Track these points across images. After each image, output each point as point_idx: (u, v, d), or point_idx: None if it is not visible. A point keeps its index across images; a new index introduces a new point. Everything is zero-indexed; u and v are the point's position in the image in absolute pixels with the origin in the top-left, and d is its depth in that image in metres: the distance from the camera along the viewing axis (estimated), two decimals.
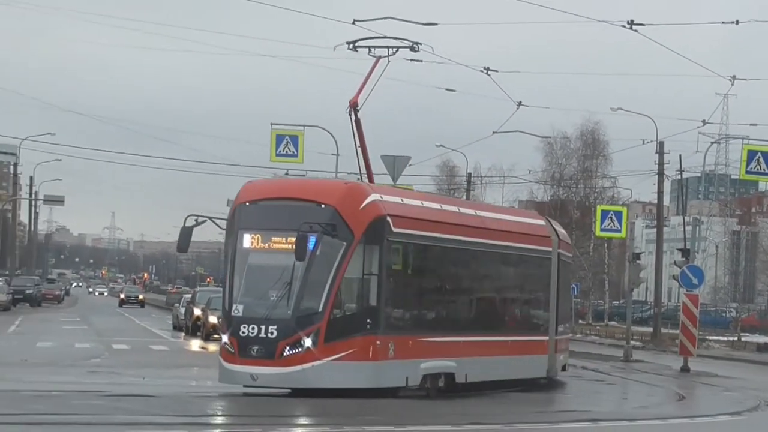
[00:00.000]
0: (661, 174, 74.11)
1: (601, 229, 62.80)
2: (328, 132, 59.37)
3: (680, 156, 75.36)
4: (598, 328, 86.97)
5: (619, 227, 61.48)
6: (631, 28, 44.36)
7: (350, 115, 30.49)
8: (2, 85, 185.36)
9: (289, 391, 26.62)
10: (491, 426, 26.05)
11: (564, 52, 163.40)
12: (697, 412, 35.57)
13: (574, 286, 64.57)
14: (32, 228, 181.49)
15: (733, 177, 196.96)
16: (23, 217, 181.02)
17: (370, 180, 32.76)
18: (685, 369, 49.09)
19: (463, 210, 33.53)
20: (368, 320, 26.13)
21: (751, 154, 44.90)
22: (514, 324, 34.28)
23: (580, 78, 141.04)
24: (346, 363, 25.44)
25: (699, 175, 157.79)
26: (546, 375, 35.02)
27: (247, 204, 27.94)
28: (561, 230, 39.24)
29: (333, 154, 59.90)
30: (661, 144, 72.38)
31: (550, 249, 35.37)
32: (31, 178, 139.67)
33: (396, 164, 52.17)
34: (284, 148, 52.37)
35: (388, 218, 26.71)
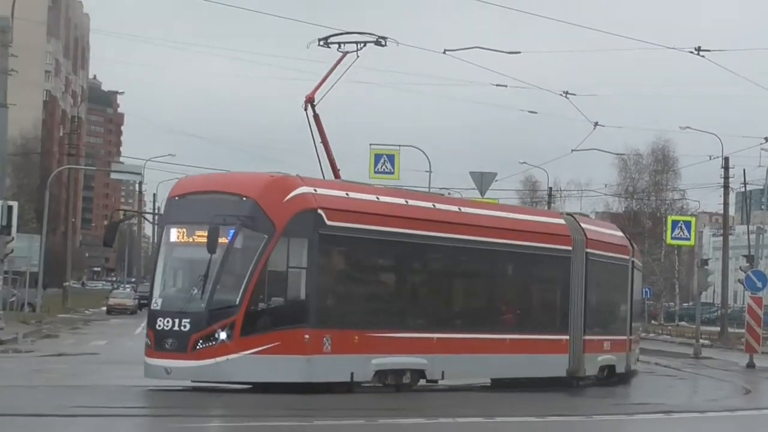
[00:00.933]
0: (726, 187, 73.91)
1: (672, 238, 61.63)
2: (422, 151, 59.90)
3: (744, 170, 75.52)
4: (669, 328, 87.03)
5: (689, 236, 60.52)
6: (698, 54, 44.25)
7: (306, 110, 29.19)
8: (133, 113, 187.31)
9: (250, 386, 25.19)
10: (573, 417, 26.11)
11: (637, 76, 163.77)
12: (762, 404, 34.75)
13: (646, 289, 64.11)
14: (154, 239, 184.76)
15: None
16: (147, 230, 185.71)
17: (336, 175, 31.07)
18: (750, 365, 48.56)
19: (416, 203, 29.57)
20: (296, 314, 24.59)
21: None
22: (515, 323, 31.36)
23: (652, 99, 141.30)
24: (270, 357, 23.92)
25: (762, 187, 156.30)
26: (566, 374, 31.89)
27: (175, 198, 26.96)
28: (596, 230, 35.38)
29: (426, 171, 60.02)
30: (726, 159, 72.40)
31: (569, 248, 32.23)
32: (154, 195, 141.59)
33: (483, 180, 53.27)
34: (381, 166, 52.40)
35: (320, 211, 24.98)
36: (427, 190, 45.38)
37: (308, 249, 24.64)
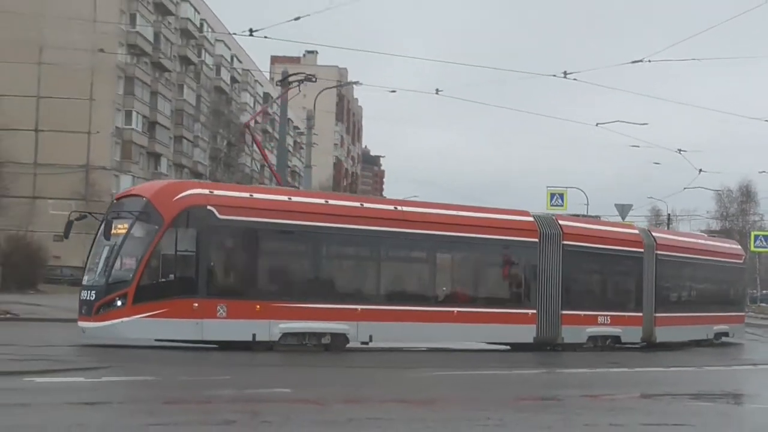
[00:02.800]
0: None
1: (755, 246, 61.69)
2: (581, 190, 63.33)
3: None
4: (753, 307, 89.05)
5: (766, 245, 62.15)
6: None
7: (245, 134, 29.55)
8: (391, 169, 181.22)
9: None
10: (689, 368, 27.21)
11: (730, 136, 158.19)
12: None
13: None
14: None
15: None
16: None
17: (278, 181, 31.95)
18: None
19: (337, 203, 27.88)
20: (185, 287, 23.48)
21: None
22: (470, 299, 28.28)
23: (739, 151, 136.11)
24: (160, 320, 22.86)
25: None
26: (533, 341, 28.89)
27: (112, 200, 27.96)
28: (570, 225, 31.33)
29: (584, 204, 59.35)
30: None
31: (536, 240, 29.22)
32: None
33: (624, 209, 54.26)
34: (554, 201, 53.96)
35: (210, 207, 23.80)
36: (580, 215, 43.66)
37: (197, 236, 23.65)
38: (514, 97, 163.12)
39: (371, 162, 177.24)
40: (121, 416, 14.02)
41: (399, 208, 28.58)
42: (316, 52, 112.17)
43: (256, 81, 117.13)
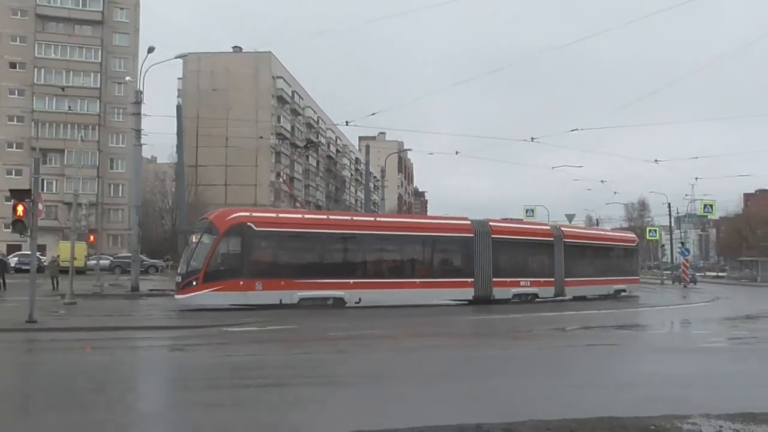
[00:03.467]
0: None
1: (648, 236, 58.13)
2: (544, 207, 62.02)
3: None
4: (647, 272, 75.27)
5: (656, 236, 59.49)
6: None
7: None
8: (432, 198, 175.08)
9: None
10: (608, 310, 26.57)
11: (632, 171, 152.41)
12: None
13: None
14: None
15: None
16: None
17: (302, 206, 29.36)
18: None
19: (336, 218, 27.85)
20: (233, 272, 22.41)
21: None
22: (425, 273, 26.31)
23: (638, 180, 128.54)
24: (220, 293, 21.96)
25: None
26: (471, 298, 26.97)
27: (196, 223, 26.38)
28: (499, 226, 29.26)
29: (546, 214, 58.38)
30: None
31: (472, 235, 27.21)
32: None
33: (569, 217, 51.04)
34: (528, 213, 51.29)
35: (249, 223, 22.91)
36: None
37: (241, 242, 22.61)
38: (503, 153, 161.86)
39: (419, 195, 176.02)
40: (279, 348, 14.50)
41: (377, 219, 28.93)
42: (385, 133, 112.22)
43: (350, 151, 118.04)
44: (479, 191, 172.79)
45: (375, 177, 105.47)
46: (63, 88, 62.17)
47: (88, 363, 11.86)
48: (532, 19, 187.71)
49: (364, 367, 11.78)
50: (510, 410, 7.74)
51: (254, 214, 24.34)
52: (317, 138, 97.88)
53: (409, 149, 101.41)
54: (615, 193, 61.40)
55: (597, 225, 66.46)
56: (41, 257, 44.51)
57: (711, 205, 47.76)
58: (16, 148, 64.87)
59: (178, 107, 36.01)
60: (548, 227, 32.31)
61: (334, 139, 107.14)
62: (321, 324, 19.14)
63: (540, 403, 8.53)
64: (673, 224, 64.22)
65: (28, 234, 17.41)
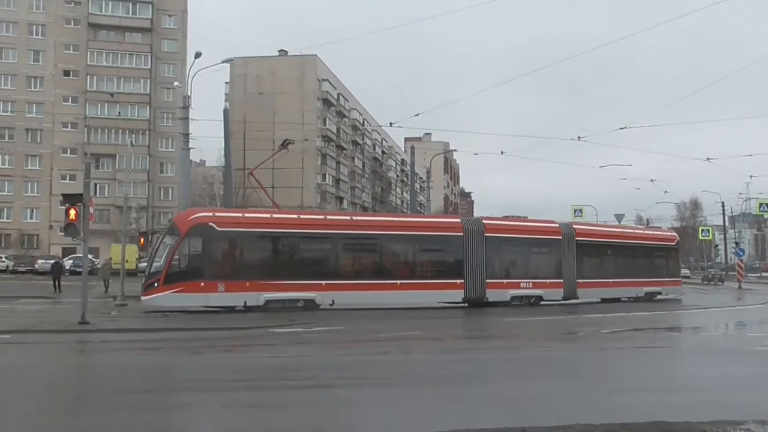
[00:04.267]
0: None
1: (702, 236, 56.49)
2: (593, 207, 60.47)
3: None
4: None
5: (708, 236, 56.72)
6: None
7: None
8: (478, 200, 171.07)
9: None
10: (654, 312, 25.79)
11: (683, 170, 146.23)
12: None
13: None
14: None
15: None
16: None
17: (275, 204, 28.09)
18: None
19: (307, 217, 25.95)
20: (194, 273, 21.54)
21: None
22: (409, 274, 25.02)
23: (690, 178, 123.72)
24: (181, 294, 21.14)
25: None
26: (462, 300, 25.50)
27: None
28: (493, 224, 27.80)
29: (594, 215, 57.57)
30: None
31: (461, 234, 25.85)
32: None
33: (619, 217, 49.99)
34: (576, 214, 49.76)
35: (211, 223, 22.21)
36: None
37: (203, 243, 21.96)
38: (549, 152, 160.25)
39: (465, 196, 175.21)
40: (323, 349, 14.45)
41: (354, 218, 27.43)
42: (431, 133, 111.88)
43: (396, 152, 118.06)
44: (526, 191, 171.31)
45: (421, 178, 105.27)
46: (112, 95, 63.67)
47: (137, 364, 12.06)
48: (580, 16, 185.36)
49: (408, 368, 11.75)
50: (555, 413, 7.62)
51: (217, 214, 23.89)
52: (363, 140, 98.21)
53: (455, 150, 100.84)
54: (665, 192, 59.21)
55: (648, 225, 64.85)
56: (94, 260, 45.44)
57: (767, 204, 46.51)
58: (71, 154, 66.64)
59: (225, 111, 36.41)
60: (556, 225, 29.64)
61: (380, 140, 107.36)
62: (366, 325, 19.20)
63: (585, 406, 8.37)
64: (727, 224, 62.43)
65: (81, 237, 17.76)
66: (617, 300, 29.37)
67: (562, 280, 28.04)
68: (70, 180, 63.80)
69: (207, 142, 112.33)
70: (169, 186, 69.73)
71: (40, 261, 50.61)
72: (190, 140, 31.72)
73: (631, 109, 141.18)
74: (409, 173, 60.66)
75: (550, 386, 9.82)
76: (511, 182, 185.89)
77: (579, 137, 35.27)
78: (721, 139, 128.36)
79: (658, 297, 31.12)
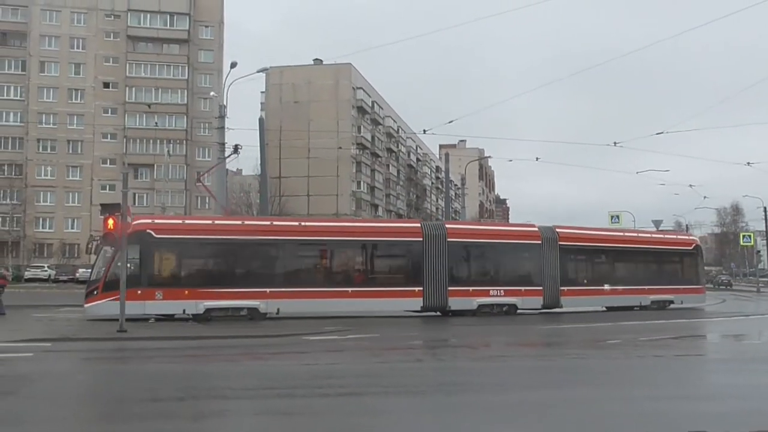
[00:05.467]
0: None
1: (743, 242, 55.89)
2: (630, 212, 60.45)
3: None
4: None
5: (750, 241, 55.42)
6: None
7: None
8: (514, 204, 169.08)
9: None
10: (682, 320, 25.75)
11: (722, 175, 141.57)
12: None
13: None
14: None
15: None
16: None
17: (226, 212, 27.59)
18: None
19: (252, 223, 25.58)
20: (132, 281, 19.99)
21: None
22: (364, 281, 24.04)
23: (730, 183, 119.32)
24: (118, 302, 18.87)
25: None
26: (420, 309, 24.23)
27: None
28: (454, 228, 26.28)
29: (632, 221, 57.98)
30: None
31: (420, 239, 24.42)
32: None
33: (657, 223, 47.62)
34: (613, 220, 48.58)
35: (149, 230, 21.69)
36: None
37: (140, 249, 21.31)
38: (585, 158, 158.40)
39: (500, 202, 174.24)
40: (358, 357, 14.52)
41: (303, 224, 25.74)
42: (465, 140, 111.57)
43: (431, 159, 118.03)
44: (562, 198, 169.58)
45: (455, 185, 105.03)
46: (150, 105, 64.89)
47: (173, 371, 12.18)
48: (615, 21, 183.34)
49: (441, 376, 11.70)
50: (595, 422, 7.49)
51: (156, 221, 23.37)
52: (398, 147, 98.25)
53: (489, 156, 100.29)
54: (705, 197, 58.28)
55: (686, 230, 63.86)
56: None
57: None
58: (110, 164, 67.94)
59: (261, 120, 36.77)
60: (535, 228, 27.72)
61: (415, 148, 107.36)
62: (401, 333, 19.23)
63: (624, 414, 8.23)
64: None
65: (119, 246, 18.13)
66: (629, 308, 27.69)
67: (541, 288, 26.21)
68: (109, 190, 65.19)
69: (243, 151, 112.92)
70: (206, 195, 70.28)
71: (81, 270, 51.24)
72: (226, 149, 32.14)
73: (668, 114, 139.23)
74: (444, 180, 60.60)
75: (588, 394, 9.67)
76: (547, 188, 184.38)
77: (615, 143, 35.04)
78: (762, 142, 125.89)
79: (672, 306, 28.94)
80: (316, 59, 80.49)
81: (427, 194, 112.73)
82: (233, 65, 32.32)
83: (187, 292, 21.61)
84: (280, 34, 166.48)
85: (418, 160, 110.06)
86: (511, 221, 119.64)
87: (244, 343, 16.64)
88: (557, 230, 27.49)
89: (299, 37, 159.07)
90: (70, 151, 68.23)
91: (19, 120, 67.59)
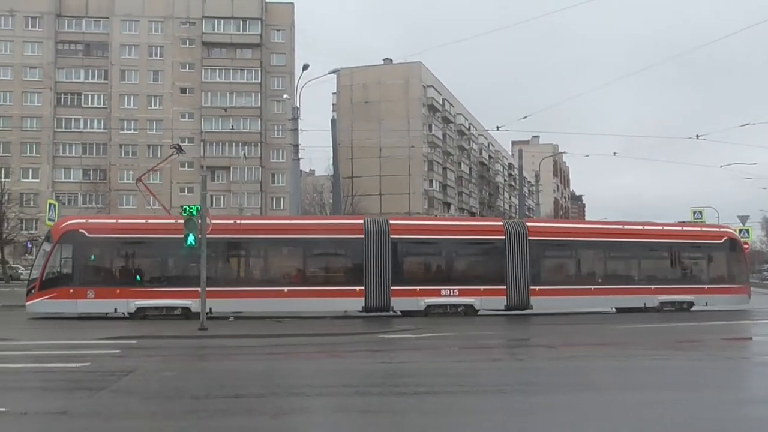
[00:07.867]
0: None
1: None
2: (714, 208, 57.67)
3: None
4: None
5: None
6: None
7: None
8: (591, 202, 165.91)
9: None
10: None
11: None
12: None
13: None
14: None
15: None
16: None
17: (166, 211, 26.00)
18: None
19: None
20: (64, 280, 21.47)
21: None
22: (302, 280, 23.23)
23: None
24: (53, 301, 21.13)
25: None
26: (362, 309, 23.09)
27: None
28: (397, 224, 24.44)
29: (716, 216, 54.31)
30: None
31: (361, 236, 23.31)
32: None
33: (743, 219, 41.65)
34: (696, 216, 45.29)
35: (82, 230, 22.14)
36: None
37: (72, 249, 21.86)
38: (665, 152, 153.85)
39: (576, 199, 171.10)
40: (434, 356, 14.46)
41: (239, 221, 25.03)
42: (539, 136, 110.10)
43: (503, 156, 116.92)
44: (642, 193, 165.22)
45: (529, 182, 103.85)
46: (225, 109, 66.53)
47: (253, 368, 12.40)
48: (694, 10, 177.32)
49: (517, 375, 11.61)
50: (686, 425, 7.30)
51: (90, 221, 23.52)
52: (469, 144, 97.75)
53: (564, 152, 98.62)
54: None
55: None
56: None
57: None
58: (188, 168, 70.01)
59: (333, 121, 37.26)
60: (500, 223, 26.54)
61: (486, 145, 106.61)
62: (478, 331, 19.11)
63: (715, 419, 8.02)
64: None
65: (199, 248, 18.62)
66: (638, 310, 25.21)
67: (504, 287, 24.19)
68: (188, 192, 67.24)
69: (316, 151, 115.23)
70: (281, 196, 71.74)
71: None
72: (299, 150, 32.66)
73: (755, 104, 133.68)
74: (518, 177, 60.06)
75: (673, 396, 9.44)
76: (625, 185, 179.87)
77: (698, 135, 34.06)
78: None
79: (694, 308, 25.92)
80: (386, 59, 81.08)
81: (500, 192, 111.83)
82: (305, 68, 32.79)
83: (118, 291, 21.75)
84: (350, 36, 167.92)
85: (490, 157, 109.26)
86: (587, 218, 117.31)
87: (321, 341, 16.85)
88: (528, 224, 25.91)
89: (370, 38, 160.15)
90: (151, 156, 69.98)
91: (102, 126, 70.73)
